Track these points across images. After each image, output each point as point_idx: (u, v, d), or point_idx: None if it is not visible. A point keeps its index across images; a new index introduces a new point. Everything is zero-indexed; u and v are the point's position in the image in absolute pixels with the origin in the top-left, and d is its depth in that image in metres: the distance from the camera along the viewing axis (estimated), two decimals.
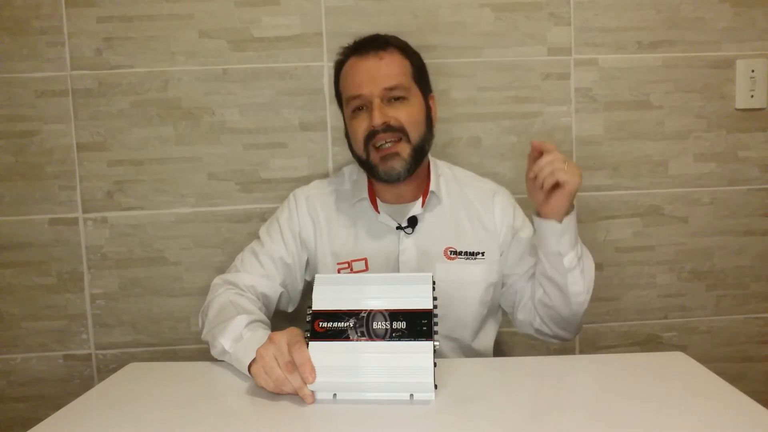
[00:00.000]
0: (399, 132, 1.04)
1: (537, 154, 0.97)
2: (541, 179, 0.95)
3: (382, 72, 1.05)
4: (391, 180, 1.06)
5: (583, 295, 1.04)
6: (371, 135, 1.04)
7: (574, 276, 1.02)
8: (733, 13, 1.40)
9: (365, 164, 1.09)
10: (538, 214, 1.01)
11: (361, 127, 1.06)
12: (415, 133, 1.06)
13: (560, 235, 0.99)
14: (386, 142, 1.04)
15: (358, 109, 1.07)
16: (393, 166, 1.05)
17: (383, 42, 1.09)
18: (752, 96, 1.41)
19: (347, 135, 1.14)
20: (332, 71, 1.38)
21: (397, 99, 1.05)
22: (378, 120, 1.03)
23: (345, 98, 1.10)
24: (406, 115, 1.05)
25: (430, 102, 1.14)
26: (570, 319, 1.08)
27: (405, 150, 1.05)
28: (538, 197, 0.99)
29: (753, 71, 1.40)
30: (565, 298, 1.04)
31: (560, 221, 0.98)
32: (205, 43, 1.36)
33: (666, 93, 1.41)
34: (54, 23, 1.34)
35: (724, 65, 1.41)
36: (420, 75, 1.11)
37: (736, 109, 1.42)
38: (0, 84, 1.34)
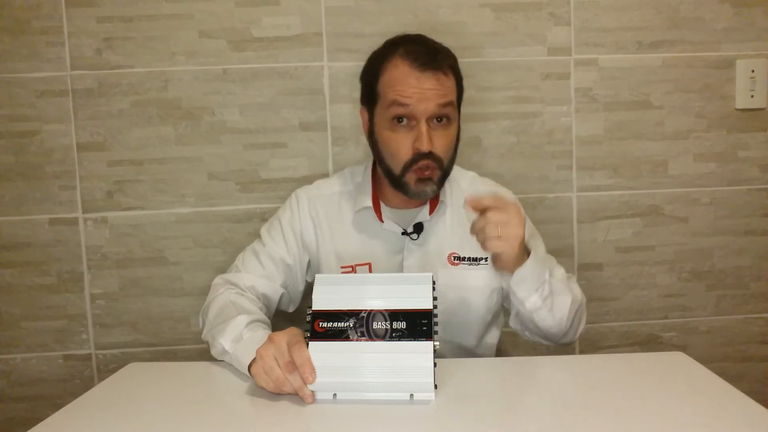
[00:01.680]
0: (437, 161, 1.03)
1: (477, 210, 0.93)
2: (480, 243, 0.93)
3: (437, 94, 1.01)
4: (419, 200, 1.07)
5: (555, 328, 1.02)
6: (415, 159, 1.02)
7: (540, 315, 1.00)
8: (733, 13, 1.40)
9: (396, 180, 1.06)
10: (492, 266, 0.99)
11: (403, 146, 1.02)
12: (448, 161, 1.06)
13: (516, 285, 0.97)
14: (426, 168, 1.03)
15: (399, 121, 1.03)
16: (425, 189, 1.04)
17: (441, 61, 1.03)
18: (752, 96, 1.41)
19: (371, 136, 1.09)
20: (332, 71, 1.38)
21: (441, 121, 1.03)
22: (427, 147, 1.00)
23: (387, 100, 1.03)
24: (445, 143, 1.04)
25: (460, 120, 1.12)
26: (553, 341, 1.08)
27: (437, 175, 1.04)
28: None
29: (753, 71, 1.40)
30: (538, 329, 1.04)
31: (512, 273, 0.96)
32: (205, 43, 1.36)
33: (666, 93, 1.41)
34: (54, 23, 1.34)
35: (724, 65, 1.41)
36: (461, 97, 1.09)
37: (736, 109, 1.42)
38: (0, 84, 1.34)
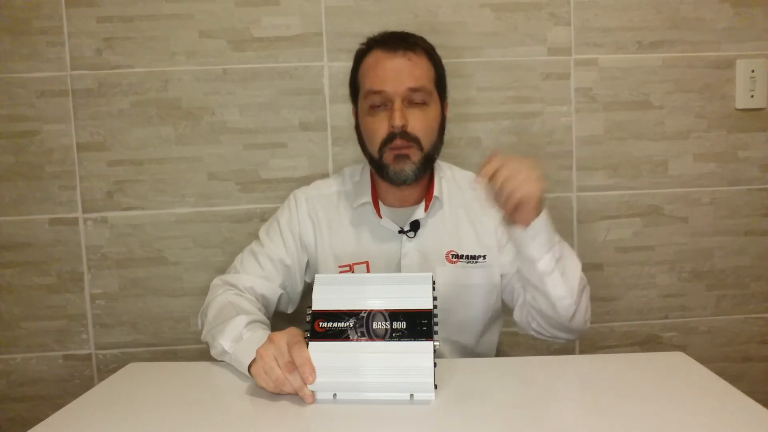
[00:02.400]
0: (413, 141, 1.04)
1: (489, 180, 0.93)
2: (503, 200, 0.92)
3: (409, 73, 1.04)
4: (399, 182, 1.06)
5: (567, 299, 1.00)
6: (390, 138, 1.04)
7: (553, 280, 0.98)
8: (733, 13, 1.40)
9: (376, 164, 1.08)
10: (506, 222, 0.99)
11: (379, 128, 1.05)
12: (428, 143, 1.06)
13: (531, 240, 0.96)
14: (400, 146, 1.04)
15: (376, 106, 1.05)
16: (403, 168, 1.05)
17: (413, 43, 1.07)
18: (752, 96, 1.41)
19: (358, 128, 1.12)
20: (332, 71, 1.38)
21: (417, 104, 1.05)
22: (399, 121, 1.02)
23: (364, 91, 1.07)
24: (423, 123, 1.05)
25: (445, 108, 1.13)
26: (563, 323, 1.03)
27: (416, 156, 1.05)
28: (502, 210, 0.96)
29: (753, 71, 1.40)
30: (549, 303, 1.01)
31: (527, 226, 0.96)
32: (205, 43, 1.36)
33: (666, 93, 1.41)
34: (54, 23, 1.34)
35: (724, 65, 1.41)
36: (440, 81, 1.10)
37: (736, 109, 1.42)
38: (0, 84, 1.34)
